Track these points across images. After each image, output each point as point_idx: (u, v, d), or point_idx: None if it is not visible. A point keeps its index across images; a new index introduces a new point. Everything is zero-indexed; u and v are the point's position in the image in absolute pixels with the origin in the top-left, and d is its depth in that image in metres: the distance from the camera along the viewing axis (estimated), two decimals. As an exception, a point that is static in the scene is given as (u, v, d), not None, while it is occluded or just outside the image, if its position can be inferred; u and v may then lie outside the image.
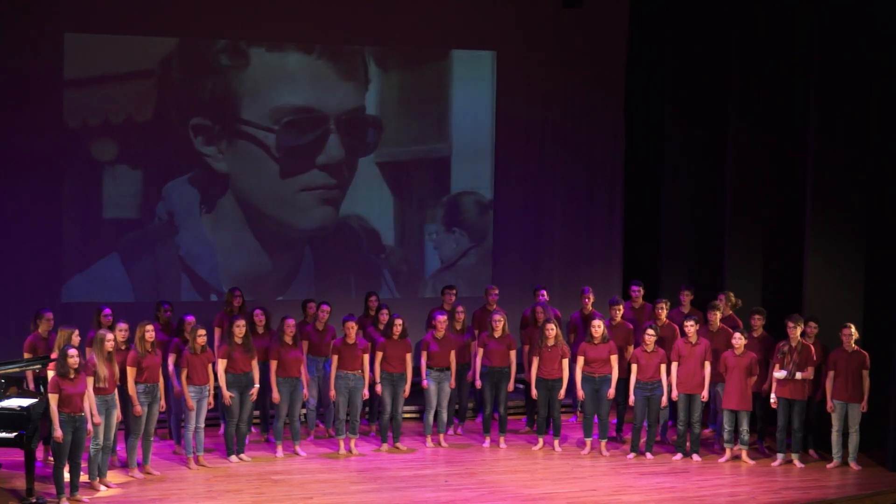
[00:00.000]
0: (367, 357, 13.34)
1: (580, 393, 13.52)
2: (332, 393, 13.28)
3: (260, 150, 15.72)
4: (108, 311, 12.95)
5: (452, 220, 16.66)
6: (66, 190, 14.94)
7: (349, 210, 16.19)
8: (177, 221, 15.52)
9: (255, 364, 12.93)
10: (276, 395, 13.09)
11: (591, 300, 14.56)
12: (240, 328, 12.79)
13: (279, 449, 13.21)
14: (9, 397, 11.77)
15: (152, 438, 12.47)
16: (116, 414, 11.85)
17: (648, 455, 13.43)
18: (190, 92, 15.43)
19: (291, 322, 13.13)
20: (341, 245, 16.16)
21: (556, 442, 13.69)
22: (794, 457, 13.18)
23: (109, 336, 11.77)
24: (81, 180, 15.05)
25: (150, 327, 12.26)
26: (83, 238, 15.10)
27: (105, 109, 15.06)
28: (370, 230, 16.34)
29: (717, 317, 13.70)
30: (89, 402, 11.45)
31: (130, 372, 12.12)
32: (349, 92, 16.06)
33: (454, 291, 14.61)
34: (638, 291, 14.73)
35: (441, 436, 13.79)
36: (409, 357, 13.46)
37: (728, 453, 13.29)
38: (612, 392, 13.45)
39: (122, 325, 12.35)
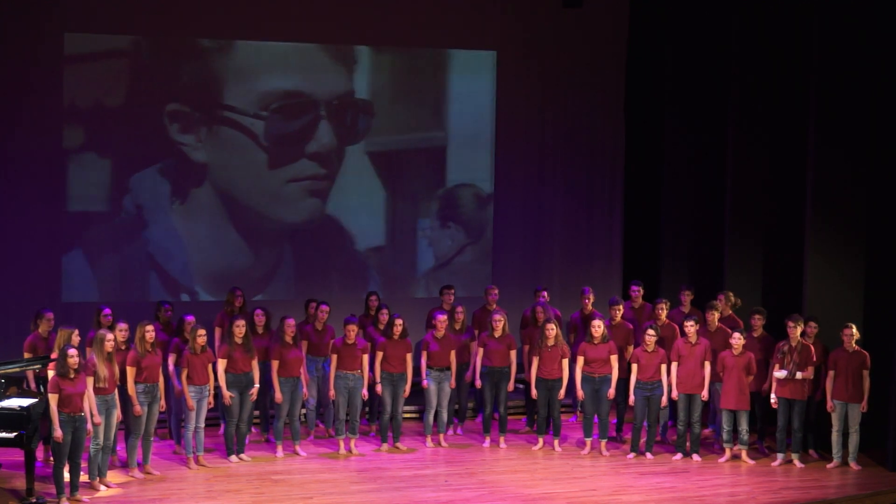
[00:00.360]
0: (366, 357, 13.35)
1: (580, 393, 13.52)
2: (332, 393, 13.28)
3: (246, 138, 15.32)
4: (107, 311, 12.95)
5: (448, 215, 16.35)
6: (66, 187, 14.89)
7: (337, 203, 15.81)
8: (145, 215, 15.05)
9: (255, 364, 12.93)
10: (279, 396, 13.08)
11: (591, 300, 14.56)
12: (240, 328, 12.78)
13: (279, 449, 13.21)
14: (9, 397, 11.76)
15: (152, 438, 12.47)
16: (116, 414, 11.85)
17: (648, 455, 13.43)
18: (166, 76, 15.02)
19: (291, 322, 13.12)
20: (325, 241, 15.81)
21: (556, 442, 13.69)
22: (794, 457, 13.18)
23: (109, 336, 11.77)
24: (81, 174, 14.93)
25: (150, 327, 12.26)
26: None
27: (79, 93, 14.75)
28: (358, 225, 15.94)
29: (715, 317, 13.69)
30: (89, 402, 11.45)
31: (130, 372, 12.12)
32: (340, 75, 15.71)
33: (452, 291, 14.55)
34: (638, 291, 14.73)
35: (441, 436, 13.78)
36: (409, 357, 13.45)
37: (727, 453, 13.29)
38: (612, 392, 13.45)
39: (122, 325, 12.34)
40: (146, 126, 15.03)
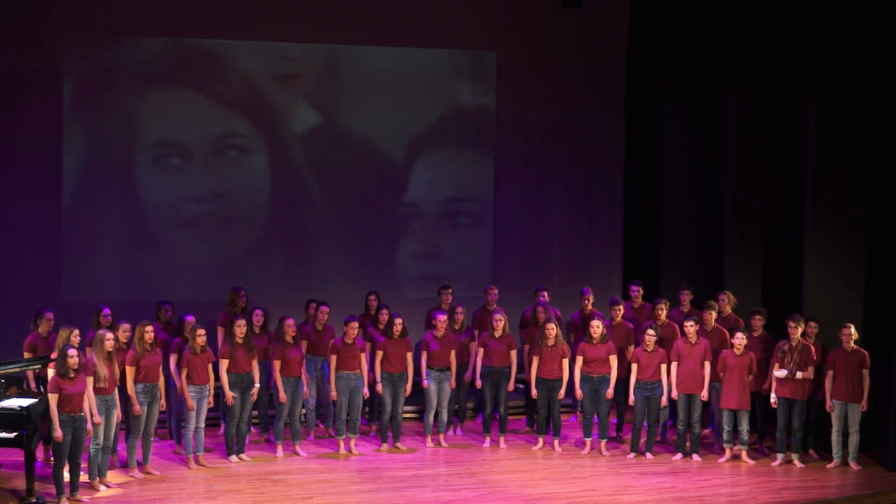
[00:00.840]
0: (364, 356, 13.34)
1: (579, 393, 13.52)
2: (334, 393, 13.28)
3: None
4: (107, 311, 12.96)
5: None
6: (66, 188, 14.88)
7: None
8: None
9: (255, 364, 12.93)
10: (283, 396, 13.07)
11: (591, 300, 14.56)
12: (241, 328, 12.79)
13: (279, 449, 13.21)
14: (9, 397, 11.77)
15: (152, 438, 12.47)
16: (117, 414, 11.86)
17: (648, 455, 13.43)
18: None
19: (291, 322, 13.12)
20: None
21: (556, 442, 13.69)
22: (794, 457, 13.19)
23: (109, 336, 11.77)
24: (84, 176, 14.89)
25: (149, 327, 12.26)
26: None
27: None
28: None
29: (712, 316, 13.69)
30: (89, 401, 11.46)
31: (129, 371, 12.12)
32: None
33: (450, 291, 14.52)
34: (638, 291, 14.73)
35: (441, 436, 13.79)
36: (409, 356, 13.46)
37: (728, 453, 13.29)
38: (610, 392, 13.45)
39: (125, 325, 12.34)
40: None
